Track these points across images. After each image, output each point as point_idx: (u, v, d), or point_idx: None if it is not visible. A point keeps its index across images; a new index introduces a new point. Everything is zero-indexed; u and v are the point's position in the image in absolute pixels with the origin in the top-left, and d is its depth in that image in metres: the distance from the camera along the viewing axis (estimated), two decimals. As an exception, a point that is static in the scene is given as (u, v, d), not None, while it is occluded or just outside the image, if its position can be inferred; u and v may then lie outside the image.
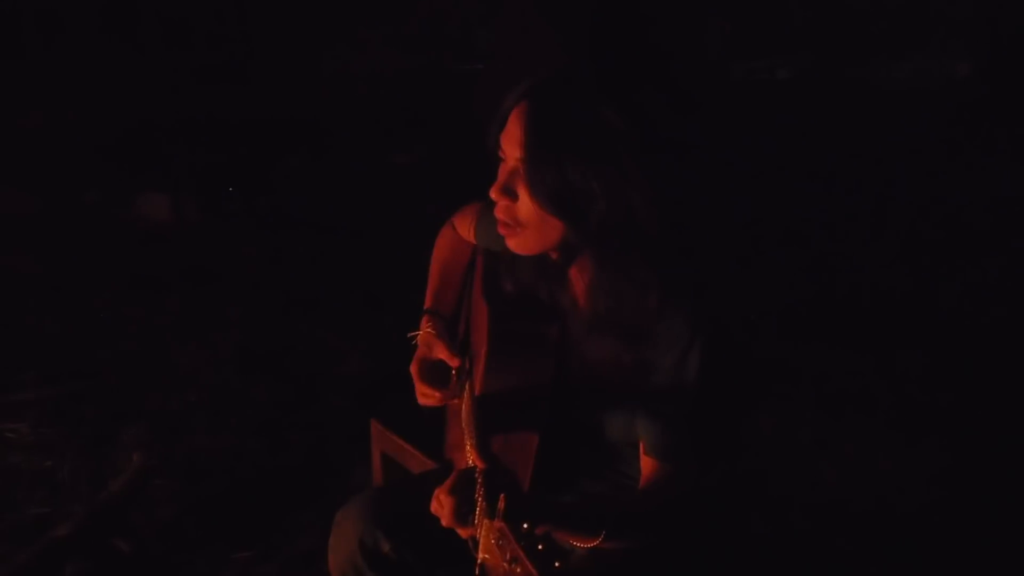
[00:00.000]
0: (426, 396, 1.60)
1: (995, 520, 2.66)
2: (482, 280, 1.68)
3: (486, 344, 1.48)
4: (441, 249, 1.87)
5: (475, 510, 1.23)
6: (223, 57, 7.66)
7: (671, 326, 1.37)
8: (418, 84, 8.16)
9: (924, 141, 7.35)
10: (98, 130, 6.35)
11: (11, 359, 3.53)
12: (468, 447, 1.35)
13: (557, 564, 0.99)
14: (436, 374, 1.60)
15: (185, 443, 3.02)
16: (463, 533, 1.25)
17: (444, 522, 1.23)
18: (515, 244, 1.41)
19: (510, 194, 1.36)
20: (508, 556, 1.03)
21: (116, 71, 6.96)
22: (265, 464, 2.94)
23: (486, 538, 1.12)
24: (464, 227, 1.82)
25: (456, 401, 1.60)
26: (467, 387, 1.52)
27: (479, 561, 1.13)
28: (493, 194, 1.38)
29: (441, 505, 1.24)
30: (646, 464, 1.43)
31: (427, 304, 1.76)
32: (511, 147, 1.35)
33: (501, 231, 1.41)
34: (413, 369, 1.61)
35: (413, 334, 1.68)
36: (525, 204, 1.35)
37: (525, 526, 1.04)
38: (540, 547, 1.01)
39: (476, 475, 1.25)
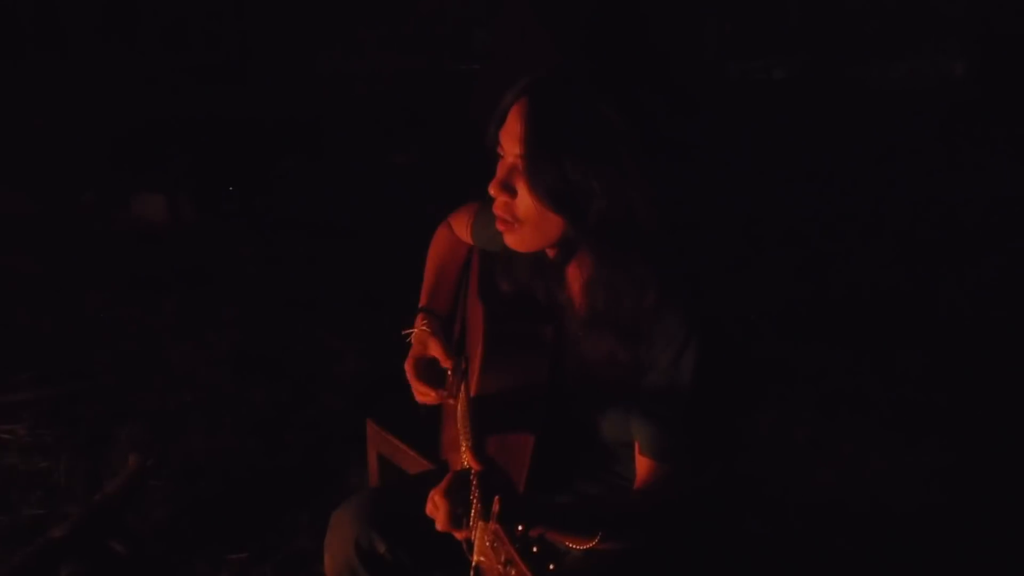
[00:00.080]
0: (422, 395, 1.61)
1: (992, 520, 2.66)
2: (478, 280, 1.68)
3: (481, 344, 1.48)
4: (437, 248, 1.87)
5: (470, 512, 1.23)
6: (221, 58, 7.66)
7: (667, 325, 1.37)
8: (416, 84, 8.16)
9: (920, 141, 7.36)
10: (95, 131, 6.35)
11: (7, 360, 3.52)
12: (463, 448, 1.35)
13: (552, 566, 0.99)
14: (431, 373, 1.60)
15: (181, 444, 3.02)
16: (459, 535, 1.25)
17: (439, 526, 1.22)
18: (513, 240, 1.41)
19: (509, 190, 1.36)
20: (503, 558, 1.03)
21: (114, 72, 6.96)
22: (261, 465, 2.93)
23: (481, 540, 1.12)
24: (460, 227, 1.82)
25: (452, 401, 1.60)
26: (463, 388, 1.52)
27: (474, 563, 1.13)
28: (492, 190, 1.38)
29: (436, 508, 1.23)
30: (641, 465, 1.42)
31: (422, 302, 1.76)
32: (510, 143, 1.34)
33: (499, 227, 1.41)
34: (408, 367, 1.61)
35: (407, 332, 1.69)
36: (524, 200, 1.35)
37: (520, 528, 1.04)
38: (534, 549, 1.01)
39: (471, 477, 1.25)
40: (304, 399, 3.34)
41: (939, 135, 7.47)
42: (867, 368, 3.59)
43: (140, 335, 3.87)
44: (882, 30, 10.33)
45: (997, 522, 2.65)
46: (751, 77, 9.98)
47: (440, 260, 1.84)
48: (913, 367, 3.59)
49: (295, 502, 2.70)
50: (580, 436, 1.49)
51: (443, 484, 1.24)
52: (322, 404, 3.31)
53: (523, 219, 1.37)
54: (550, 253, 1.45)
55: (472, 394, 1.46)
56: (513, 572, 1.00)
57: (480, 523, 1.14)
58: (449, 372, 1.61)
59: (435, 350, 1.59)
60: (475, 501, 1.19)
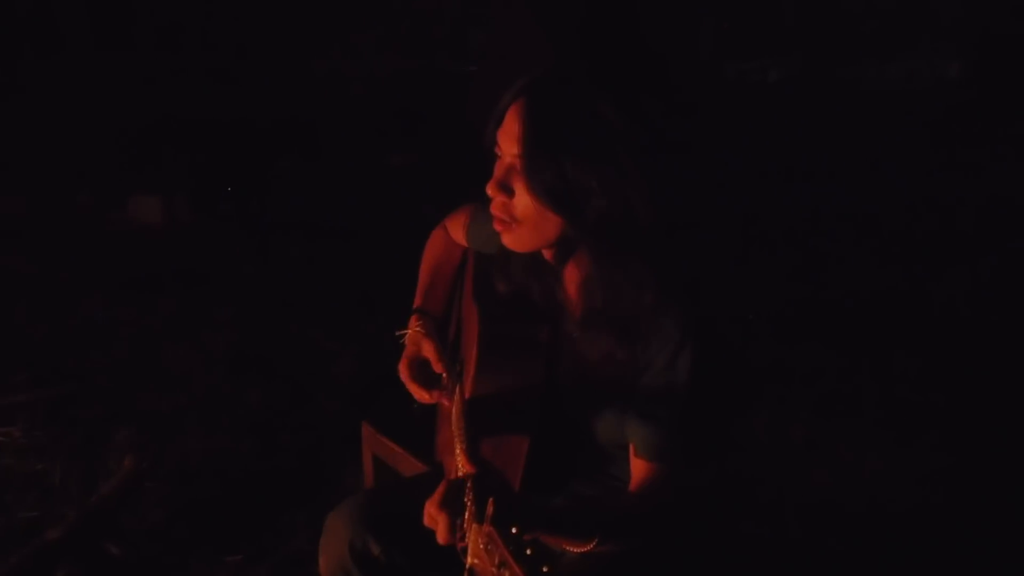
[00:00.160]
0: (417, 395, 1.61)
1: (988, 520, 2.66)
2: (473, 282, 1.68)
3: (476, 346, 1.48)
4: (432, 250, 1.87)
5: (464, 514, 1.23)
6: (217, 59, 7.66)
7: (664, 326, 1.37)
8: (413, 85, 8.16)
9: (916, 141, 7.37)
10: (91, 132, 6.34)
11: (2, 361, 3.52)
12: (458, 451, 1.35)
13: (546, 568, 0.99)
14: (425, 374, 1.60)
15: (177, 445, 3.01)
16: (461, 545, 1.25)
17: (440, 538, 1.22)
18: (510, 240, 1.41)
19: (506, 190, 1.36)
20: (497, 560, 1.03)
21: (110, 73, 6.95)
22: (257, 466, 2.93)
23: (475, 542, 1.11)
24: (456, 229, 1.83)
25: (447, 403, 1.60)
26: (457, 390, 1.52)
27: (468, 566, 1.13)
28: (490, 190, 1.38)
29: (435, 521, 1.23)
30: (636, 466, 1.42)
31: (416, 303, 1.76)
32: (508, 143, 1.35)
33: (497, 227, 1.41)
34: (402, 368, 1.61)
35: (401, 332, 1.69)
36: (522, 200, 1.35)
37: (514, 530, 1.04)
38: (528, 551, 1.01)
39: (465, 478, 1.25)
40: (300, 400, 3.34)
41: (935, 136, 7.48)
42: (863, 369, 3.59)
43: (136, 336, 3.86)
44: (878, 31, 10.35)
45: (993, 523, 2.65)
46: (747, 78, 9.99)
47: (435, 262, 1.84)
48: (909, 368, 3.59)
49: (291, 503, 2.69)
50: (575, 438, 1.49)
51: (438, 495, 1.23)
52: (318, 405, 3.31)
53: (521, 219, 1.37)
54: (547, 254, 1.45)
55: (467, 396, 1.46)
56: (507, 574, 1.00)
57: (474, 525, 1.13)
58: (444, 374, 1.61)
59: (429, 352, 1.59)
60: (469, 503, 1.18)
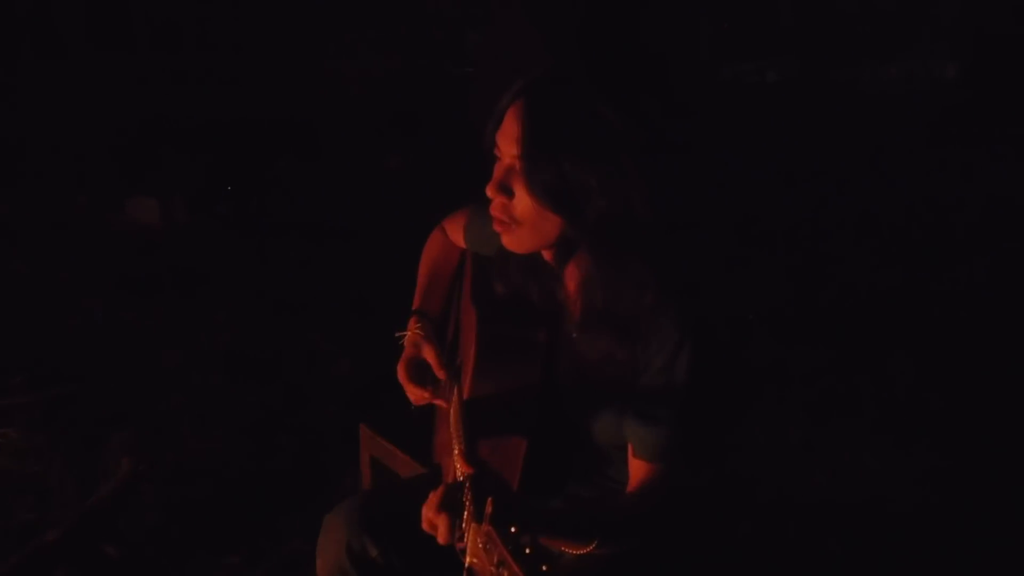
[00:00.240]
0: (415, 396, 1.61)
1: (984, 521, 2.66)
2: (471, 284, 1.68)
3: (474, 348, 1.48)
4: (431, 252, 1.87)
5: (463, 514, 1.23)
6: (214, 60, 7.64)
7: (663, 326, 1.37)
8: (410, 87, 8.15)
9: (912, 143, 7.38)
10: (89, 133, 6.33)
11: (0, 363, 3.51)
12: (455, 452, 1.35)
13: (544, 567, 0.99)
14: (423, 375, 1.60)
15: (174, 447, 3.01)
16: (460, 546, 1.25)
17: (441, 540, 1.22)
18: (510, 241, 1.41)
19: (506, 191, 1.36)
20: (495, 560, 1.03)
21: (107, 74, 6.95)
22: (254, 468, 2.93)
23: (473, 542, 1.12)
24: (454, 231, 1.83)
25: (444, 405, 1.60)
26: (455, 390, 1.52)
27: (467, 565, 1.13)
28: (489, 191, 1.38)
29: (433, 525, 1.23)
30: (635, 467, 1.42)
31: (415, 305, 1.76)
32: (507, 144, 1.35)
33: (497, 228, 1.41)
34: (400, 369, 1.61)
35: (400, 334, 1.69)
36: (522, 201, 1.35)
37: (513, 529, 1.04)
38: (527, 551, 1.01)
39: (464, 479, 1.25)
40: (297, 402, 3.34)
41: (932, 136, 7.48)
42: (861, 369, 3.59)
43: (134, 338, 3.86)
44: (874, 32, 10.35)
45: (990, 524, 2.65)
46: (745, 79, 10.00)
47: (433, 263, 1.84)
48: (906, 369, 3.59)
49: (288, 505, 2.69)
50: (573, 439, 1.50)
51: (436, 499, 1.23)
52: (315, 407, 3.31)
53: (521, 220, 1.37)
54: (547, 255, 1.45)
55: (465, 397, 1.46)
56: (506, 573, 1.00)
57: (473, 525, 1.14)
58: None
59: (429, 355, 1.59)
60: (468, 503, 1.19)
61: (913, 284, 4.57)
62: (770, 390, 3.37)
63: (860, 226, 5.55)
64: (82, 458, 2.91)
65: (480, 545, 1.08)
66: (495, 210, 1.39)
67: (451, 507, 1.21)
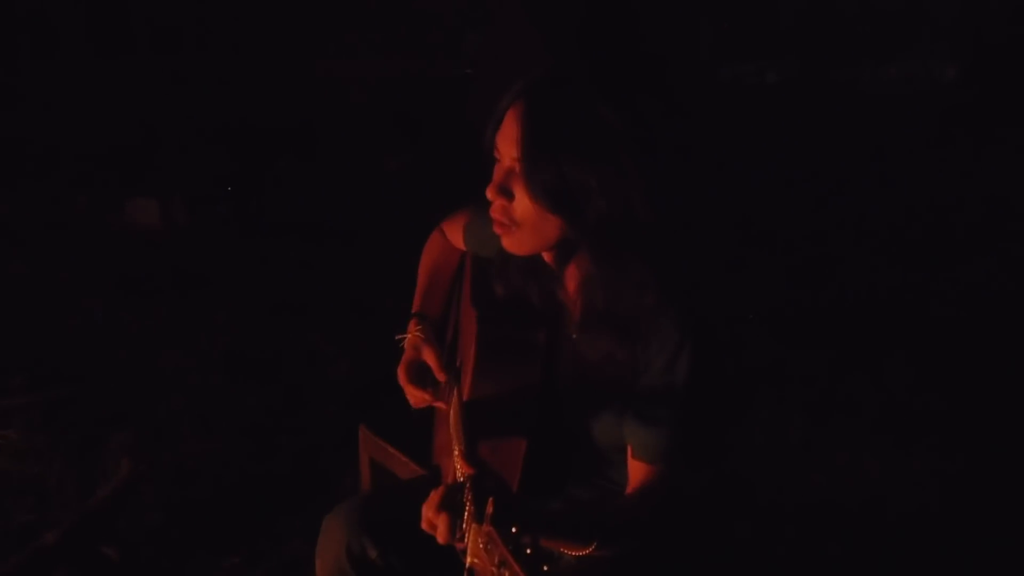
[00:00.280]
0: (415, 398, 1.61)
1: (985, 523, 2.66)
2: (471, 285, 1.68)
3: (474, 349, 1.48)
4: (430, 254, 1.87)
5: (463, 514, 1.23)
6: (214, 61, 7.64)
7: (663, 326, 1.37)
8: (409, 88, 8.15)
9: (912, 144, 7.38)
10: (89, 134, 6.34)
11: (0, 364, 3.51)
12: (456, 453, 1.35)
13: (545, 568, 0.99)
14: (423, 377, 1.60)
15: (174, 448, 3.01)
16: (460, 546, 1.25)
17: (441, 539, 1.22)
18: (511, 243, 1.41)
19: (506, 194, 1.36)
20: (496, 560, 1.03)
21: (107, 75, 6.95)
22: (253, 469, 2.93)
23: (474, 542, 1.12)
24: (454, 233, 1.83)
25: (444, 407, 1.60)
26: (455, 392, 1.52)
27: (468, 566, 1.13)
28: (489, 194, 1.38)
29: (433, 525, 1.23)
30: (634, 468, 1.42)
31: (415, 308, 1.76)
32: (507, 147, 1.35)
33: (497, 231, 1.40)
34: (400, 372, 1.61)
35: (401, 336, 1.69)
36: (522, 203, 1.35)
37: (514, 530, 1.04)
38: (528, 551, 1.01)
39: (464, 479, 1.25)
40: (297, 403, 3.34)
41: (931, 137, 7.49)
42: (859, 371, 3.59)
43: (132, 340, 3.86)
44: (874, 33, 10.35)
45: (990, 525, 2.65)
46: (744, 81, 10.00)
47: (433, 265, 1.84)
48: (905, 370, 3.59)
49: (287, 507, 2.69)
50: (573, 440, 1.49)
51: (435, 500, 1.23)
52: (315, 408, 3.30)
53: (521, 222, 1.37)
54: (547, 256, 1.45)
55: (465, 398, 1.46)
56: (507, 573, 1.00)
57: (474, 525, 1.13)
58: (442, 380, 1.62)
59: (429, 358, 1.59)
60: (468, 504, 1.19)
61: (913, 284, 4.57)
62: (769, 390, 3.37)
63: (860, 226, 5.55)
64: (82, 459, 2.91)
65: (481, 545, 1.08)
66: (495, 212, 1.39)
67: (451, 507, 1.21)
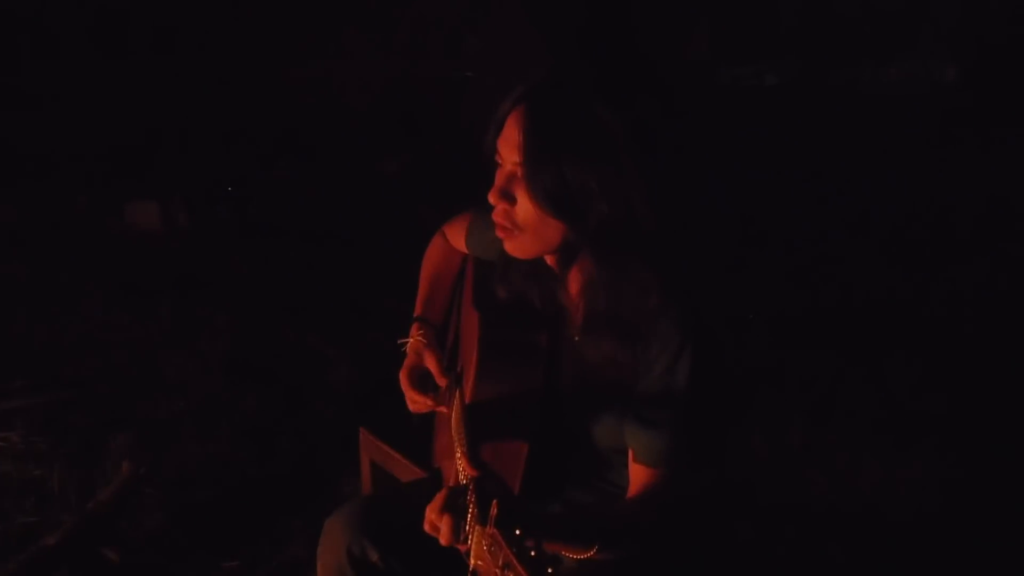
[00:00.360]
0: (416, 403, 1.60)
1: (985, 525, 2.66)
2: (472, 289, 1.68)
3: (476, 352, 1.48)
4: (432, 258, 1.87)
5: (467, 517, 1.23)
6: (213, 64, 7.65)
7: (664, 329, 1.37)
8: (407, 91, 8.16)
9: (912, 145, 7.39)
10: (89, 137, 6.34)
11: (0, 367, 3.51)
12: (458, 455, 1.35)
13: (549, 570, 0.99)
14: (425, 381, 1.60)
15: (174, 451, 3.01)
16: (463, 548, 1.24)
17: (444, 541, 1.21)
18: (513, 247, 1.41)
19: (508, 198, 1.36)
20: (500, 562, 1.03)
21: (107, 78, 6.95)
22: (254, 472, 2.93)
23: (478, 544, 1.11)
24: (455, 236, 1.82)
25: (445, 409, 1.60)
26: (457, 395, 1.52)
27: (471, 568, 1.13)
28: (491, 198, 1.38)
29: (436, 528, 1.22)
30: (635, 472, 1.42)
31: (417, 312, 1.76)
32: (508, 151, 1.35)
33: (499, 235, 1.41)
34: (402, 376, 1.61)
35: (403, 341, 1.69)
36: (524, 207, 1.35)
37: (518, 532, 1.04)
38: (532, 553, 1.01)
39: (467, 481, 1.25)
40: (297, 406, 3.34)
41: (931, 139, 7.49)
42: (859, 373, 3.59)
43: (134, 342, 3.86)
44: (874, 35, 10.36)
45: (990, 527, 2.65)
46: (744, 82, 10.01)
47: (434, 269, 1.84)
48: (905, 372, 3.59)
49: (288, 509, 2.69)
50: (574, 443, 1.49)
51: (438, 502, 1.23)
52: (315, 411, 3.30)
53: (523, 226, 1.37)
54: (549, 259, 1.45)
55: (467, 401, 1.46)
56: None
57: (477, 527, 1.13)
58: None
59: (431, 364, 1.59)
60: (472, 506, 1.18)
61: (913, 284, 4.57)
62: (769, 393, 3.36)
63: (860, 226, 5.55)
64: (82, 462, 2.91)
65: (485, 548, 1.08)
66: (497, 216, 1.39)
67: (455, 509, 1.21)
